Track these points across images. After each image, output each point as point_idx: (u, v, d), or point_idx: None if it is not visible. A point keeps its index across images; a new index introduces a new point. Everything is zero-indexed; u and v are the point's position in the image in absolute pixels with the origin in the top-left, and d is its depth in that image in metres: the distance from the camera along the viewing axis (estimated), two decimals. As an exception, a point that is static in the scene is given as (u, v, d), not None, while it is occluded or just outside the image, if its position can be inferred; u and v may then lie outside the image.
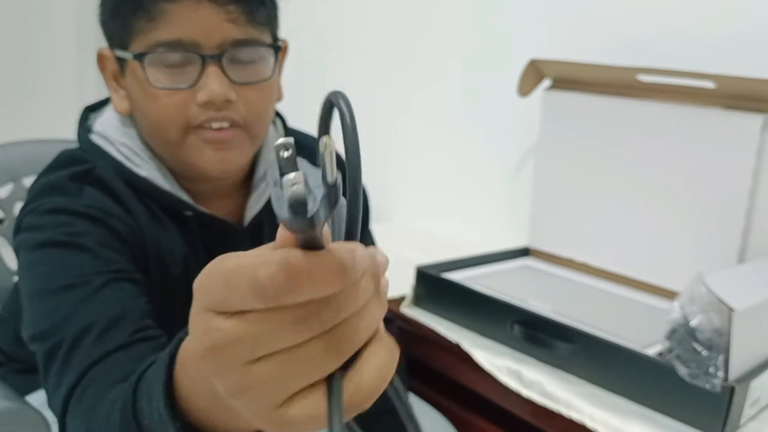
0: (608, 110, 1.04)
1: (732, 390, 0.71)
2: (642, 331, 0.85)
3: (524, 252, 1.18)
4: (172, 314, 0.67)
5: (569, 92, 1.09)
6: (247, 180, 0.77)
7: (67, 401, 0.57)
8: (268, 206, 0.75)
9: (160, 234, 0.70)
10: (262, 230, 0.77)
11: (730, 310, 0.72)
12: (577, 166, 1.11)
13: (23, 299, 0.65)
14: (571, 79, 1.09)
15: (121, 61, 0.67)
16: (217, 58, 0.64)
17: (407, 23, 1.47)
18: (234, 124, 0.67)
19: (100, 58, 0.69)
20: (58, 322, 0.60)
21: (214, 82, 0.63)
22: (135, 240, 0.67)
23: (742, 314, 0.72)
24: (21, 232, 0.67)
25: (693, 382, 0.73)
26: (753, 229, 0.93)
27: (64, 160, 0.71)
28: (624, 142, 1.04)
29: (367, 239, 0.93)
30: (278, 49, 0.69)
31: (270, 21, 0.68)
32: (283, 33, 0.76)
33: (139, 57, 0.63)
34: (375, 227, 0.97)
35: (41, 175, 0.71)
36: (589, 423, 0.76)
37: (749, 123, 0.90)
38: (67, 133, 0.85)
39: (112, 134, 0.70)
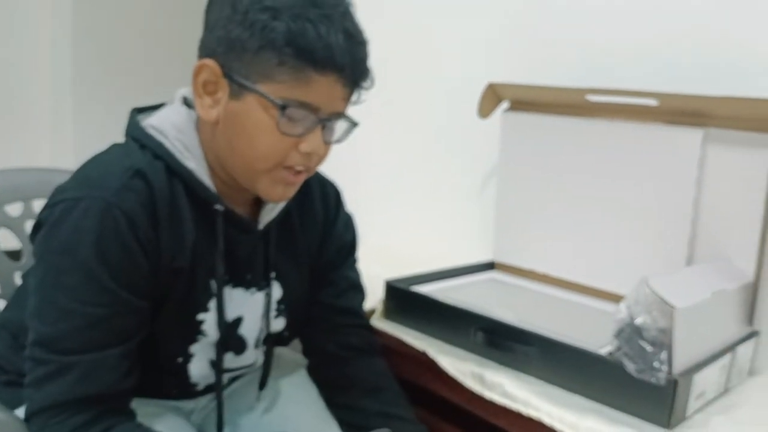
0: (562, 129, 1.11)
1: (676, 383, 0.77)
2: (596, 334, 0.90)
3: (490, 266, 1.24)
4: (173, 296, 0.78)
5: (526, 113, 1.16)
6: None
7: (35, 415, 0.71)
8: (276, 218, 0.87)
9: (178, 226, 0.77)
10: (269, 234, 0.87)
11: (672, 308, 0.78)
12: (536, 183, 1.17)
13: (36, 289, 0.73)
14: (527, 100, 1.16)
15: (236, 85, 0.74)
16: (325, 122, 0.77)
17: (373, 51, 1.54)
18: (306, 170, 0.80)
19: (203, 67, 0.75)
20: (59, 338, 0.71)
21: (318, 140, 0.76)
22: (153, 240, 0.75)
23: (683, 312, 0.78)
24: (51, 221, 0.73)
25: (640, 377, 0.78)
26: (699, 236, 0.99)
27: (118, 152, 0.79)
28: (578, 159, 1.10)
29: (352, 271, 0.99)
30: (354, 125, 0.81)
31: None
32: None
33: (282, 107, 0.72)
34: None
35: (93, 160, 0.79)
36: (546, 420, 0.81)
37: (690, 137, 0.97)
38: (41, 159, 0.90)
39: (169, 130, 0.79)
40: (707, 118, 0.96)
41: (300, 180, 0.80)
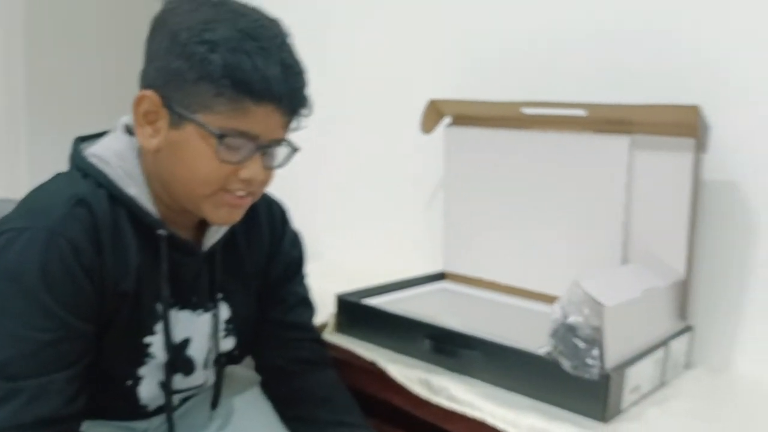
0: (500, 141, 1.16)
1: (608, 377, 0.81)
2: (537, 335, 0.93)
3: (440, 276, 1.27)
4: (119, 320, 0.80)
5: (467, 127, 1.21)
6: None
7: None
8: (220, 240, 0.89)
9: (122, 251, 0.79)
10: (214, 255, 0.89)
11: (602, 306, 0.82)
12: (480, 194, 1.21)
13: None
14: (467, 115, 1.21)
15: (176, 115, 0.76)
16: (264, 150, 0.78)
17: (325, 76, 1.58)
18: (250, 194, 0.82)
19: (143, 98, 0.77)
20: (5, 363, 0.72)
21: (257, 167, 0.78)
22: (97, 267, 0.77)
23: (612, 310, 0.82)
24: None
25: (575, 373, 0.82)
26: (631, 238, 1.04)
27: (62, 181, 0.81)
28: (517, 170, 1.15)
29: (301, 287, 1.01)
30: (295, 150, 0.84)
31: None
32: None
33: (220, 137, 0.75)
34: (309, 267, 1.04)
35: (36, 190, 0.81)
36: (489, 420, 0.84)
37: (618, 144, 1.02)
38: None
39: (111, 158, 0.80)
40: (633, 125, 1.02)
41: (245, 203, 0.82)
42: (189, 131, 0.76)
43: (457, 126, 1.23)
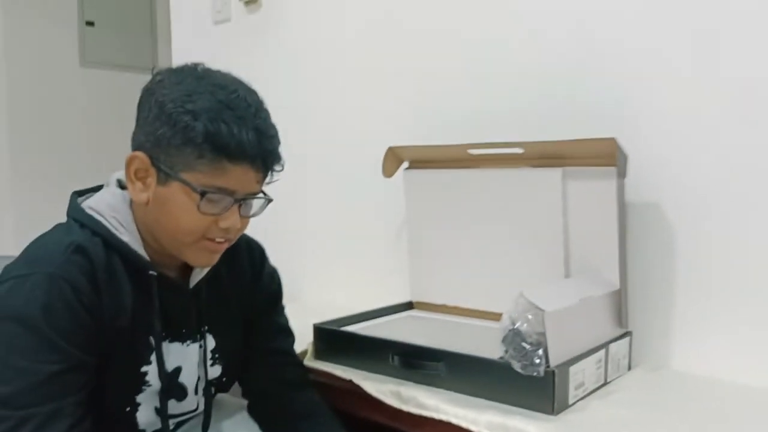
0: (453, 180, 1.30)
1: (553, 373, 0.93)
2: (493, 348, 1.05)
3: (408, 305, 1.40)
4: (118, 352, 0.89)
5: (423, 170, 1.35)
6: None
7: None
8: (207, 276, 0.99)
9: (117, 291, 0.89)
10: (200, 291, 1.00)
11: (543, 312, 0.95)
12: (440, 228, 1.35)
13: None
14: (422, 159, 1.36)
15: (163, 173, 0.87)
16: (240, 202, 0.90)
17: (297, 128, 1.74)
18: (228, 240, 0.93)
19: (134, 158, 0.89)
20: (15, 394, 0.80)
21: (234, 217, 0.90)
22: (95, 305, 0.86)
23: (552, 315, 0.95)
24: (1, 295, 0.84)
25: (525, 372, 0.94)
26: (571, 256, 1.18)
27: (61, 231, 0.92)
28: (469, 204, 1.29)
29: (281, 317, 1.13)
30: (269, 201, 0.96)
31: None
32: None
33: (203, 192, 0.86)
34: (289, 307, 1.16)
35: (38, 240, 0.91)
36: (453, 421, 0.95)
37: (552, 176, 1.17)
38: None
39: (105, 210, 0.92)
40: (563, 158, 1.17)
41: (222, 248, 0.93)
42: (174, 188, 0.87)
43: (414, 169, 1.37)
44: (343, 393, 1.11)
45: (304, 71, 1.73)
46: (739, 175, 1.08)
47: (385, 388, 1.04)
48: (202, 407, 1.03)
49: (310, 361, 1.17)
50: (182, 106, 0.84)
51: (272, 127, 0.92)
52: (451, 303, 1.34)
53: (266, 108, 0.92)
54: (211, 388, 1.03)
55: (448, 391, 1.01)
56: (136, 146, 0.90)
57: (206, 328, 1.01)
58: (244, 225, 0.95)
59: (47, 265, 0.85)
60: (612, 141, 1.07)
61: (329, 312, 1.27)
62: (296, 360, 1.12)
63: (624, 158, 1.12)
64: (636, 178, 1.16)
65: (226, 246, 0.94)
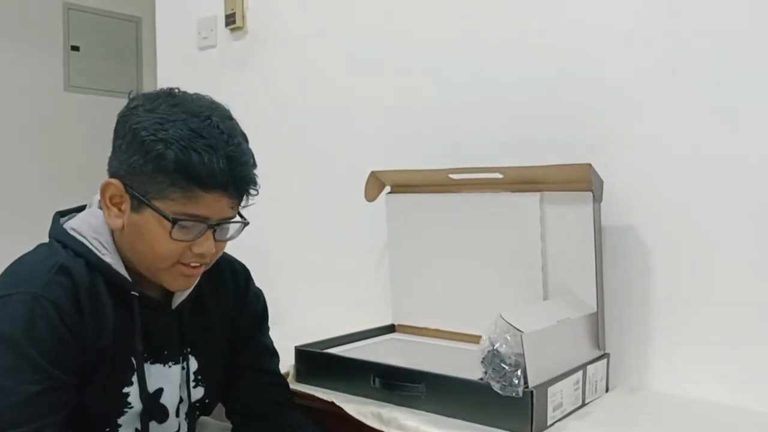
0: (434, 204, 1.33)
1: (532, 393, 0.94)
2: (473, 369, 1.06)
3: (391, 328, 1.41)
4: (100, 372, 0.90)
5: (405, 194, 1.38)
6: None
7: None
8: (189, 296, 1.00)
9: (100, 311, 0.90)
10: (183, 312, 1.00)
11: (521, 333, 0.97)
12: (421, 252, 1.37)
13: None
14: (404, 183, 1.38)
15: (136, 200, 0.88)
16: (214, 227, 0.91)
17: (280, 154, 1.77)
18: (203, 264, 0.94)
19: (109, 185, 0.90)
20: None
21: (209, 243, 0.91)
22: (78, 325, 0.87)
23: (530, 336, 0.97)
24: None
25: (504, 393, 0.95)
26: (549, 279, 1.20)
27: (44, 251, 0.92)
28: (450, 228, 1.31)
29: (266, 338, 1.14)
30: (245, 224, 0.96)
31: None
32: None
33: (173, 221, 0.86)
34: (272, 330, 1.17)
35: (20, 260, 0.91)
36: (433, 441, 0.96)
37: (530, 201, 1.20)
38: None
39: (87, 231, 0.93)
40: (542, 184, 1.20)
41: (198, 272, 0.94)
42: (147, 215, 0.88)
43: (396, 193, 1.39)
44: (324, 415, 1.11)
45: (288, 97, 1.76)
46: (712, 197, 1.12)
47: (366, 410, 1.05)
48: (184, 430, 1.03)
49: (291, 383, 1.18)
50: (155, 134, 0.85)
51: (246, 152, 0.92)
52: (432, 326, 1.35)
53: (241, 133, 0.93)
54: (195, 411, 1.03)
55: (429, 413, 1.02)
56: (111, 173, 0.91)
57: (189, 349, 1.01)
58: (220, 249, 0.95)
59: (30, 285, 0.86)
60: (587, 166, 1.11)
61: (311, 335, 1.28)
62: (283, 380, 1.12)
63: (599, 183, 1.15)
64: (611, 203, 1.19)
65: (202, 270, 0.95)
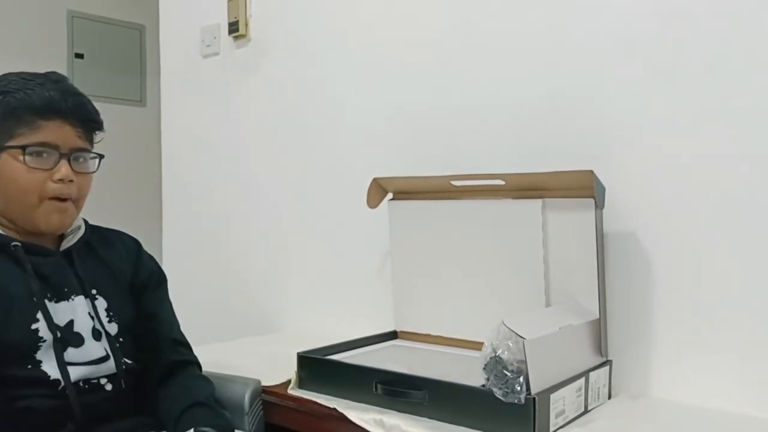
0: (436, 211, 1.33)
1: (534, 400, 0.94)
2: (475, 376, 1.07)
3: (393, 334, 1.41)
4: (4, 321, 0.96)
5: (407, 201, 1.38)
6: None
7: None
8: (76, 244, 1.09)
9: None
10: (72, 254, 1.08)
11: (523, 339, 0.97)
12: (424, 259, 1.37)
13: None
14: (406, 190, 1.38)
15: None
16: (68, 156, 1.03)
17: (283, 154, 1.77)
18: (70, 199, 1.04)
19: None
20: None
21: (65, 168, 1.02)
22: None
23: (532, 343, 0.97)
24: None
25: (506, 400, 0.95)
26: (551, 286, 1.21)
27: None
28: (452, 235, 1.32)
29: (168, 297, 1.20)
30: (101, 157, 1.09)
31: (93, 142, 1.08)
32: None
33: (23, 148, 0.99)
34: (273, 337, 1.18)
35: None
36: (435, 447, 0.96)
37: (532, 207, 1.20)
38: None
39: None
40: (544, 190, 1.20)
41: (68, 206, 1.04)
42: (5, 157, 1.01)
43: (399, 200, 1.40)
44: (326, 421, 1.11)
45: (291, 104, 1.76)
46: (714, 204, 1.12)
47: (368, 417, 1.05)
48: (110, 362, 1.05)
49: (293, 390, 1.18)
50: None
51: (79, 91, 1.06)
52: (434, 332, 1.35)
53: (70, 81, 1.08)
54: (117, 343, 1.07)
55: (431, 420, 1.02)
56: None
57: (94, 291, 1.07)
58: (84, 184, 1.05)
59: None
60: (589, 173, 1.11)
61: (313, 341, 1.28)
62: (184, 346, 1.18)
63: (601, 190, 1.15)
64: (613, 209, 1.19)
65: (70, 206, 1.04)
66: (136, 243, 1.20)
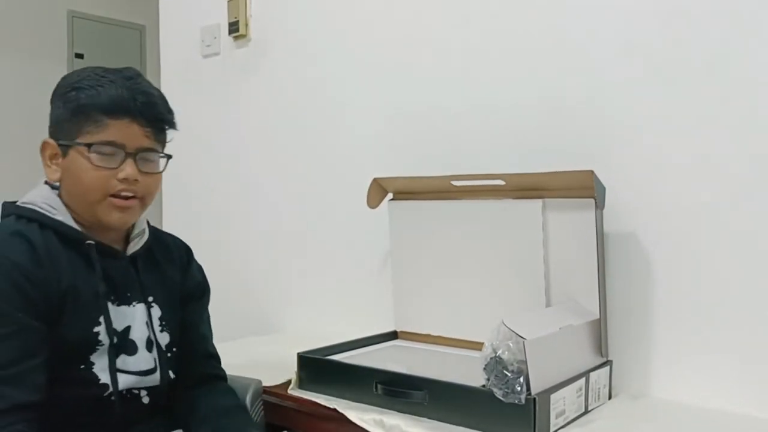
0: (436, 211, 1.33)
1: (534, 400, 0.94)
2: (476, 376, 1.07)
3: (393, 335, 1.41)
4: (69, 320, 0.96)
5: (407, 201, 1.38)
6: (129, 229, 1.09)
7: None
8: (141, 249, 1.08)
9: (56, 263, 0.97)
10: (137, 260, 1.08)
11: (523, 339, 0.97)
12: (424, 259, 1.37)
13: None
14: (407, 190, 1.38)
15: (64, 147, 1.00)
16: (133, 156, 1.00)
17: (283, 154, 1.77)
18: (135, 197, 1.02)
19: (45, 145, 1.01)
20: None
21: (130, 168, 1.00)
22: (36, 277, 0.94)
23: (532, 343, 0.97)
24: None
25: (506, 400, 0.95)
26: (552, 286, 1.21)
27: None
28: (452, 235, 1.32)
29: (205, 314, 1.18)
30: (168, 157, 1.07)
31: (164, 141, 1.06)
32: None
33: (88, 146, 0.98)
34: (273, 337, 1.18)
35: None
36: (435, 448, 0.96)
37: (532, 207, 1.20)
38: None
39: (37, 200, 1.02)
40: (544, 190, 1.20)
41: (132, 204, 1.02)
42: (73, 155, 1.00)
43: (399, 200, 1.40)
44: (326, 422, 1.11)
45: (291, 104, 1.76)
46: (714, 204, 1.12)
47: (368, 417, 1.05)
48: (157, 375, 1.05)
49: (294, 390, 1.18)
50: (70, 85, 1.00)
51: (151, 87, 1.04)
52: (434, 332, 1.35)
53: (147, 80, 1.05)
54: (169, 362, 1.07)
55: (431, 420, 1.02)
56: (48, 137, 1.02)
57: (151, 299, 1.07)
58: (150, 183, 1.03)
59: None
60: (589, 173, 1.11)
61: (313, 341, 1.28)
62: (216, 360, 1.17)
63: (602, 190, 1.15)
64: (613, 209, 1.19)
65: (134, 203, 1.02)
66: (188, 250, 1.18)
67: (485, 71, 1.39)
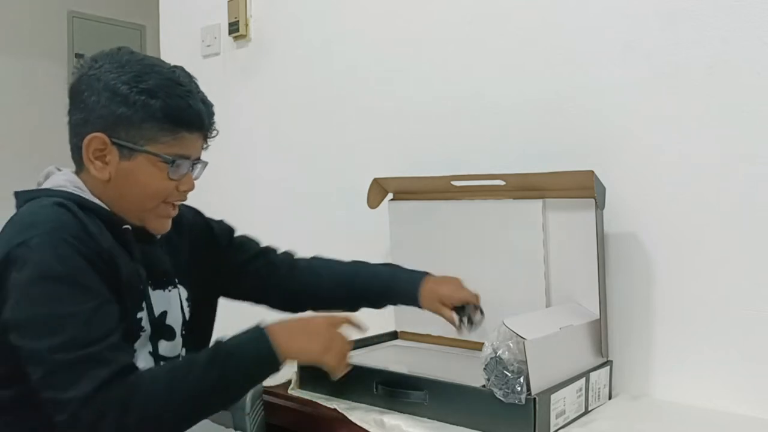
0: (437, 211, 1.33)
1: (534, 401, 0.94)
2: (476, 377, 1.07)
3: (393, 335, 1.41)
4: (117, 301, 0.92)
5: (408, 201, 1.38)
6: None
7: (104, 386, 0.81)
8: (168, 231, 1.06)
9: (103, 242, 0.93)
10: (171, 240, 1.09)
11: (524, 339, 0.97)
12: (424, 258, 1.36)
13: (29, 320, 0.85)
14: (407, 190, 1.38)
15: (126, 149, 0.95)
16: (194, 166, 1.02)
17: (283, 155, 1.77)
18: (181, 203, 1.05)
19: (94, 139, 0.95)
20: (75, 338, 0.83)
21: (191, 180, 1.03)
22: (95, 250, 0.91)
23: (533, 343, 0.97)
24: (15, 267, 0.86)
25: (506, 400, 0.95)
26: (552, 286, 1.21)
27: (35, 204, 0.93)
28: (452, 235, 1.32)
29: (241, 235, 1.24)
30: (204, 164, 1.06)
31: None
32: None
33: (169, 161, 0.97)
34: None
35: (17, 215, 0.93)
36: (435, 448, 0.96)
37: (532, 207, 1.21)
38: None
39: (67, 185, 0.97)
40: (544, 191, 1.20)
41: (175, 212, 1.04)
42: (140, 160, 0.96)
43: (399, 200, 1.40)
44: (327, 422, 1.11)
45: (291, 104, 1.76)
46: (714, 204, 1.12)
47: (369, 417, 1.05)
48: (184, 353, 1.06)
49: (294, 391, 1.18)
50: (137, 86, 0.94)
51: (209, 99, 1.03)
52: (435, 332, 1.35)
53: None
54: (189, 335, 1.07)
55: (431, 420, 1.02)
56: (89, 130, 0.95)
57: (177, 280, 1.07)
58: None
59: (41, 226, 0.88)
60: (590, 173, 1.11)
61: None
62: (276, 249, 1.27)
63: (602, 190, 1.15)
64: (614, 210, 1.19)
65: (176, 211, 1.05)
66: (194, 211, 1.19)
67: (486, 71, 1.39)
